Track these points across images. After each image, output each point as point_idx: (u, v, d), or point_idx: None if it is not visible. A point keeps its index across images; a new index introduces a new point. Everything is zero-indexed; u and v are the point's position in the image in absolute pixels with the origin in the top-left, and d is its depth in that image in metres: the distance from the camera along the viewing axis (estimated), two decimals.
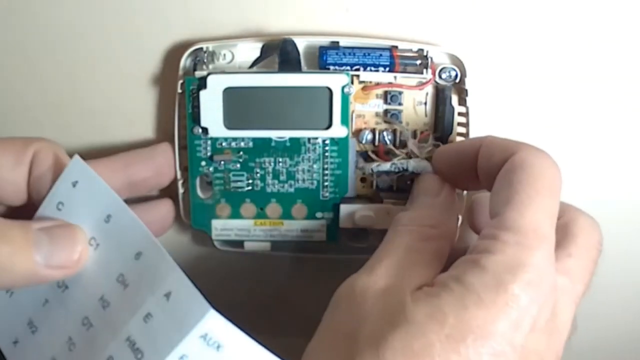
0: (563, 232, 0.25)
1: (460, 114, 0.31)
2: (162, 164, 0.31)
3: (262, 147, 0.31)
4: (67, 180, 0.27)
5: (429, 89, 0.31)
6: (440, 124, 0.31)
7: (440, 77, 0.31)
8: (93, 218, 0.26)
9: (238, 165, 0.31)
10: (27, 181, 0.28)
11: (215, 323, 0.22)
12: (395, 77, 0.31)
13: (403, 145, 0.31)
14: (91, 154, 0.30)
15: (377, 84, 0.31)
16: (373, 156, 0.31)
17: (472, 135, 0.31)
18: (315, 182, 0.31)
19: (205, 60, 0.30)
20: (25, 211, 0.28)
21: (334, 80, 0.30)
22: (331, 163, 0.31)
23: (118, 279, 0.25)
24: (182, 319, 0.22)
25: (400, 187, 0.31)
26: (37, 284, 0.26)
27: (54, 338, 0.26)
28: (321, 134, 0.31)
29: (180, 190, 0.32)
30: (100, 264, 0.26)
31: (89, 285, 0.26)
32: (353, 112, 0.31)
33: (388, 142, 0.31)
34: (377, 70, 0.30)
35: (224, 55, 0.31)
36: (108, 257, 0.26)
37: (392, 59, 0.30)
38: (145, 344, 0.23)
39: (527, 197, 0.23)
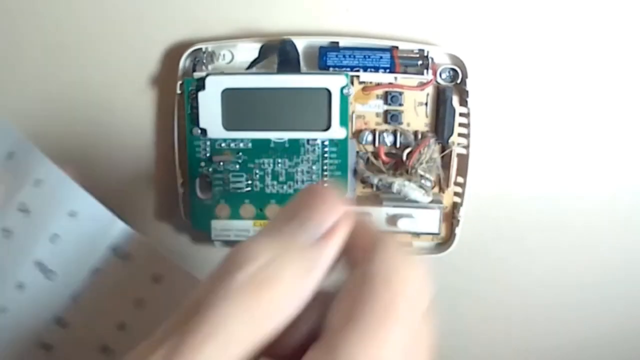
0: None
1: (461, 114, 0.31)
2: None
3: (261, 148, 0.31)
4: None
5: (430, 89, 0.31)
6: (441, 125, 0.31)
7: (441, 77, 0.31)
8: None
9: (237, 166, 0.31)
10: None
11: (123, 234, 0.23)
12: (395, 78, 0.30)
13: (404, 147, 0.31)
14: (91, 154, 0.30)
15: (378, 85, 0.31)
16: (373, 160, 0.31)
17: (473, 137, 0.31)
18: (314, 183, 0.31)
19: (204, 61, 0.30)
20: None
21: (333, 82, 0.30)
22: (330, 164, 0.31)
23: (19, 208, 0.24)
24: (93, 235, 0.23)
25: None
26: None
27: None
28: (320, 136, 0.30)
29: (180, 191, 0.32)
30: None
31: None
32: (353, 112, 0.31)
33: (388, 143, 0.31)
34: (378, 72, 0.30)
35: (224, 55, 0.31)
36: (7, 191, 0.25)
37: (392, 60, 0.30)
38: (55, 264, 0.23)
39: (374, 329, 0.17)
